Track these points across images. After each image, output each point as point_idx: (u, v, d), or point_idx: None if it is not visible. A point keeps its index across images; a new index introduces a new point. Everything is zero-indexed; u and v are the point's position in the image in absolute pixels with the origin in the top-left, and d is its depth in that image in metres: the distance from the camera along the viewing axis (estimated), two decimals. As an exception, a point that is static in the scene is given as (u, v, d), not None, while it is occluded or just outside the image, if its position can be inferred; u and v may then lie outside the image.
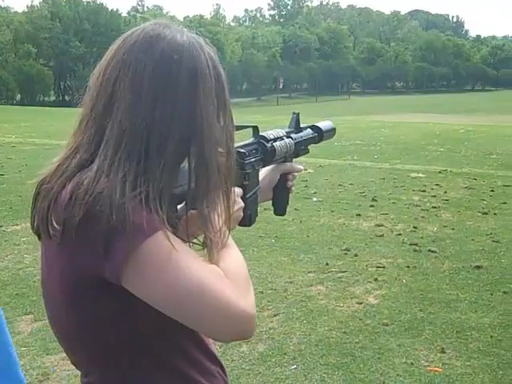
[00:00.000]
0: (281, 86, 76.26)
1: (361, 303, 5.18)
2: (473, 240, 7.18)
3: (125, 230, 1.02)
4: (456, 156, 16.51)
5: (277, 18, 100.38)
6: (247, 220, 1.45)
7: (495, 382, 3.95)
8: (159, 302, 1.08)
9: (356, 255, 6.46)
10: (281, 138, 1.58)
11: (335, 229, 7.61)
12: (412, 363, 4.16)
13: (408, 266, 6.14)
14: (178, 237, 1.10)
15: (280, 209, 1.69)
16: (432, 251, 6.67)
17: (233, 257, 1.20)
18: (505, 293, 5.48)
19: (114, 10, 70.12)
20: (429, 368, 4.10)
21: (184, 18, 77.29)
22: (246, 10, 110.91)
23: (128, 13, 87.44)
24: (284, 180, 1.64)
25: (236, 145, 1.30)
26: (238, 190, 1.33)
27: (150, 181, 1.07)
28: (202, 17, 79.15)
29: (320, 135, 1.78)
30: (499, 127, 29.47)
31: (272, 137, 1.54)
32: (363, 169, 12.63)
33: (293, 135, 1.65)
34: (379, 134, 20.73)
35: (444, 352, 4.33)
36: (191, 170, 1.13)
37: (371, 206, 8.85)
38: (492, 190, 10.41)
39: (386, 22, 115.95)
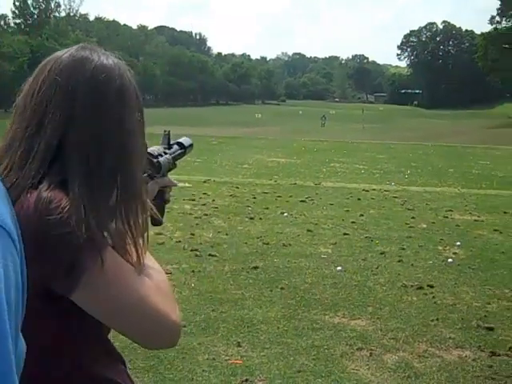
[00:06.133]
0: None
1: (156, 309, 5.32)
2: (246, 243, 7.77)
3: (87, 244, 1.07)
4: (213, 166, 17.46)
5: (23, 27, 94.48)
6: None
7: (288, 367, 4.39)
8: (105, 312, 1.14)
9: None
10: (161, 155, 1.71)
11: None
12: (214, 358, 4.44)
13: (193, 271, 6.45)
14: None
15: (158, 219, 1.82)
16: (212, 255, 7.09)
17: (157, 270, 1.28)
18: (282, 288, 6.06)
19: None
20: (230, 361, 4.41)
21: None
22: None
23: None
24: (162, 193, 1.77)
25: None
26: None
27: (97, 197, 1.13)
28: None
29: (185, 150, 1.94)
30: (247, 139, 31.68)
31: (156, 153, 1.67)
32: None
33: (167, 151, 1.80)
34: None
35: (240, 346, 4.69)
36: (119, 184, 1.19)
37: (146, 215, 9.01)
38: (254, 197, 11.28)
39: (134, 36, 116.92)
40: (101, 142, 1.15)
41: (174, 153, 1.79)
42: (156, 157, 1.63)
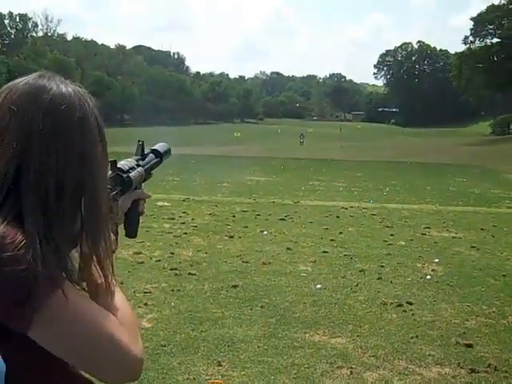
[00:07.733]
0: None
1: (136, 328, 5.28)
2: (225, 262, 7.76)
3: (44, 281, 1.04)
4: (192, 185, 17.43)
5: (0, 47, 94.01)
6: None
7: (268, 385, 4.38)
8: (63, 349, 1.11)
9: (122, 283, 6.53)
10: (133, 168, 1.70)
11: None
12: (194, 378, 4.41)
13: (173, 290, 6.42)
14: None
15: (132, 231, 1.80)
16: (192, 274, 7.06)
17: (122, 303, 1.26)
18: (262, 307, 6.05)
19: None
20: (210, 381, 4.38)
21: None
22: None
23: None
24: (136, 205, 1.76)
25: None
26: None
27: (55, 230, 1.09)
28: None
29: (161, 158, 1.93)
30: (226, 157, 31.73)
31: (127, 168, 1.63)
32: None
33: (141, 162, 1.78)
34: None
35: (220, 365, 4.66)
36: (83, 213, 1.16)
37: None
38: (233, 216, 11.28)
39: (112, 55, 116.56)
40: (60, 174, 1.11)
41: (147, 163, 1.77)
42: (126, 172, 1.62)
